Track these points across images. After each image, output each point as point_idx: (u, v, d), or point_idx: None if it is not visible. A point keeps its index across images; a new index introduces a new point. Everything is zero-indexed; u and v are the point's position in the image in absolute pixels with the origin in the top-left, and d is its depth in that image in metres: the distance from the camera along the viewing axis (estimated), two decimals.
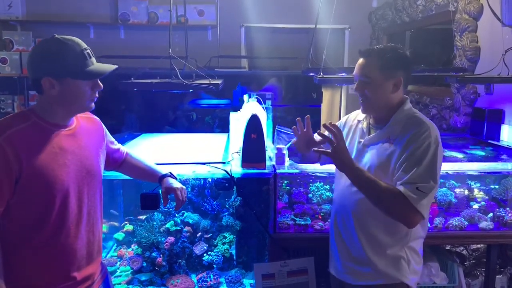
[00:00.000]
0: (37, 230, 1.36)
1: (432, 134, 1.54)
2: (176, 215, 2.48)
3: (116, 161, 1.76)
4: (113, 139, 1.74)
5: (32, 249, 1.37)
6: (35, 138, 1.35)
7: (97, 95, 1.46)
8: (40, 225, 1.36)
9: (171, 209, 2.45)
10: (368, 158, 1.64)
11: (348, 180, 1.65)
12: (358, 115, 1.80)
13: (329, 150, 1.53)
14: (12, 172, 1.29)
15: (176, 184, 1.72)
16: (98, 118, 1.65)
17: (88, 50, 1.40)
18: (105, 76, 1.42)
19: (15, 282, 1.37)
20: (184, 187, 1.73)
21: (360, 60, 1.63)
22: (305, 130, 1.74)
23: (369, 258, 1.64)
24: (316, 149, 1.60)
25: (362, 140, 1.69)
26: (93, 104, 1.46)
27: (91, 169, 1.49)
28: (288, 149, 2.25)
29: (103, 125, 1.67)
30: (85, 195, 1.47)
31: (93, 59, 1.41)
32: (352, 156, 1.65)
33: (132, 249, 2.50)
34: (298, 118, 1.72)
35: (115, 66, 1.47)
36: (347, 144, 1.74)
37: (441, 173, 2.35)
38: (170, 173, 1.78)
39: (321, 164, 1.97)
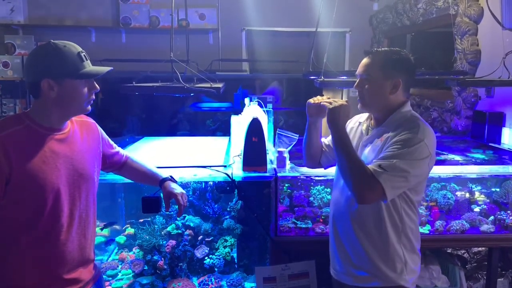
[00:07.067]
0: (27, 232, 1.37)
1: (420, 133, 1.52)
2: (178, 218, 2.48)
3: (115, 164, 1.76)
4: (111, 142, 1.74)
5: (22, 250, 1.38)
6: (27, 141, 1.36)
7: (93, 97, 1.47)
8: (31, 227, 1.37)
9: (172, 212, 2.46)
10: (364, 157, 1.65)
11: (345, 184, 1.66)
12: (360, 117, 1.83)
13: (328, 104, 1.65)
14: (2, 174, 1.30)
15: (177, 189, 1.72)
16: (93, 121, 1.65)
17: (84, 53, 1.43)
18: (101, 76, 1.43)
19: (4, 282, 1.38)
20: (184, 192, 1.74)
21: (364, 60, 1.68)
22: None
23: (366, 261, 1.65)
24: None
25: (361, 141, 1.72)
26: (89, 107, 1.48)
27: (84, 173, 1.49)
28: (289, 152, 2.26)
29: (99, 128, 1.66)
30: (77, 199, 1.47)
31: (89, 62, 1.44)
32: None
33: (134, 253, 2.50)
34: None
35: (110, 68, 1.49)
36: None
37: (442, 176, 2.35)
38: (171, 176, 1.78)
39: (324, 168, 1.96)
